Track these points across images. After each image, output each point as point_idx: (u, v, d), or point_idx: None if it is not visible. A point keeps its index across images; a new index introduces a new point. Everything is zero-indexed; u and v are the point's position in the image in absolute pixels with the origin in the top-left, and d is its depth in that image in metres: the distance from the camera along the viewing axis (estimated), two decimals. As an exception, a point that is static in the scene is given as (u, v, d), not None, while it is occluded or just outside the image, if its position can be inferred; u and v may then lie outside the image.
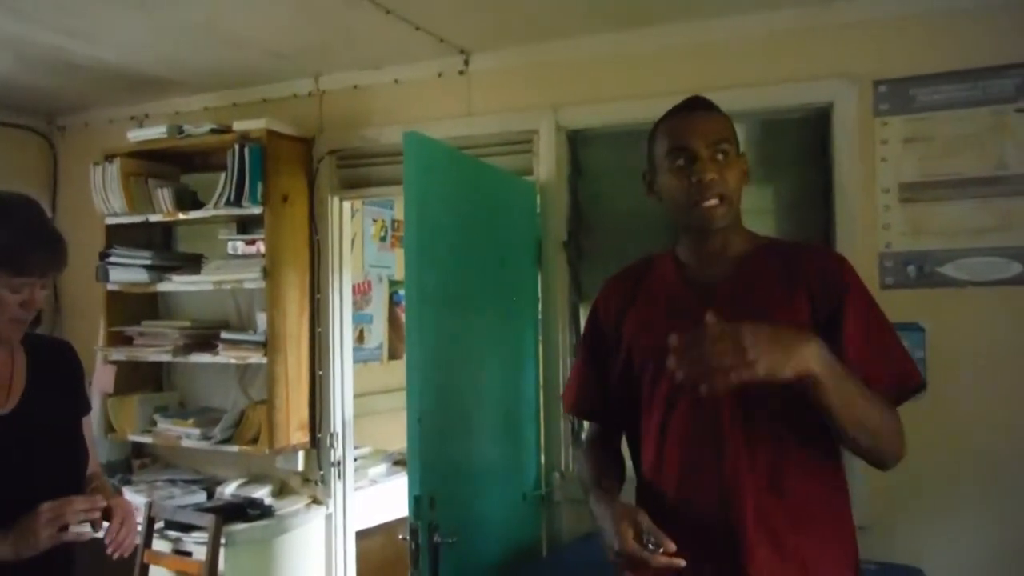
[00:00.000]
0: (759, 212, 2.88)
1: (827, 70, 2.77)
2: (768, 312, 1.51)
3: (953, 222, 2.64)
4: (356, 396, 3.69)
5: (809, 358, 1.31)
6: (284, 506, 3.40)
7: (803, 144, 2.89)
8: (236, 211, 3.35)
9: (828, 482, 1.57)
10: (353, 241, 4.85)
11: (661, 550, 1.40)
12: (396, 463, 4.27)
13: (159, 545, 3.12)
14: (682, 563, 1.39)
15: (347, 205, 3.65)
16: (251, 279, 3.33)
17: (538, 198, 3.14)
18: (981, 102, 2.63)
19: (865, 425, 1.43)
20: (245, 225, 3.57)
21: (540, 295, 3.14)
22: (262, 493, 3.42)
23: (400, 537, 2.42)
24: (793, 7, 2.77)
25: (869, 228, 2.72)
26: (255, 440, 3.38)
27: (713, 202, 1.56)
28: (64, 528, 1.74)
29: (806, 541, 1.51)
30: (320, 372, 3.52)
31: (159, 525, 3.14)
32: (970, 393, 2.59)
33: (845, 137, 2.75)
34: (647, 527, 1.43)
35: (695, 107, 1.63)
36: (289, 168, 3.44)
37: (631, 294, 1.72)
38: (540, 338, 3.13)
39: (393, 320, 5.15)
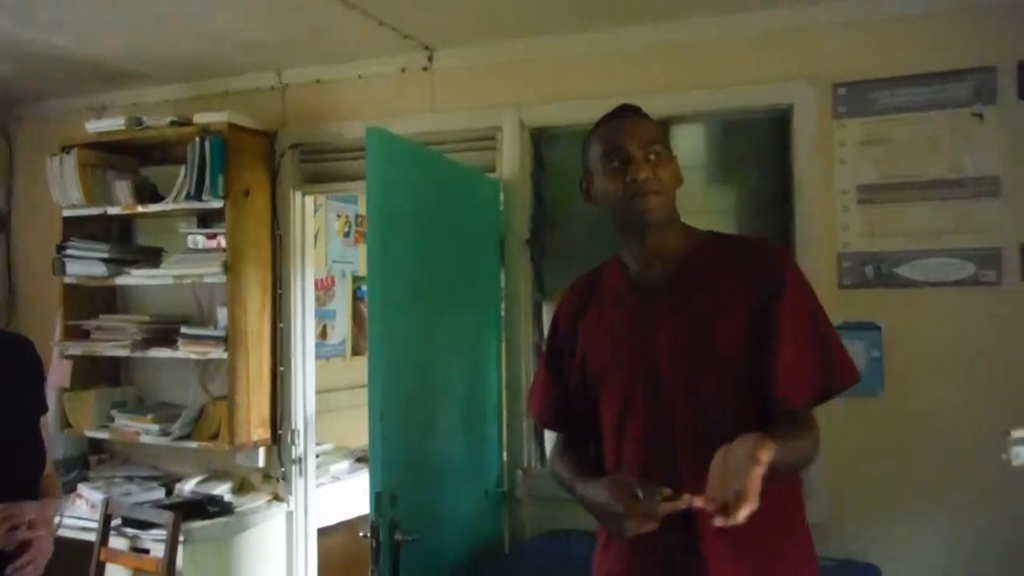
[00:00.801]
0: (721, 212, 2.91)
1: (787, 72, 2.80)
2: (709, 313, 1.58)
3: (910, 224, 2.69)
4: (318, 392, 3.67)
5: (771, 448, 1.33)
6: (244, 503, 3.37)
7: (764, 145, 2.92)
8: (197, 205, 3.31)
9: (787, 487, 1.59)
10: (316, 236, 4.82)
11: (658, 497, 1.40)
12: (358, 460, 4.25)
13: (116, 543, 3.07)
14: (684, 504, 1.36)
15: (310, 200, 3.62)
16: (212, 273, 3.30)
17: (502, 195, 3.14)
18: (938, 106, 2.67)
19: (794, 465, 1.52)
20: (206, 219, 3.53)
21: (503, 292, 3.14)
22: (222, 490, 3.39)
23: (361, 535, 2.41)
24: (754, 10, 2.80)
25: (828, 229, 2.76)
26: (215, 436, 3.34)
27: (648, 198, 1.60)
28: (14, 528, 1.72)
29: (767, 544, 1.54)
30: (282, 368, 3.50)
31: (116, 522, 3.09)
32: (925, 392, 2.64)
33: (805, 139, 2.79)
34: (635, 482, 1.44)
35: (626, 113, 1.68)
36: (251, 162, 3.41)
37: (584, 302, 1.76)
38: (503, 335, 3.13)
39: (357, 316, 5.13)
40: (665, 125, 1.65)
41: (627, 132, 1.63)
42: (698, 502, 1.31)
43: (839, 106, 2.77)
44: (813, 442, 1.56)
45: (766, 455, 1.28)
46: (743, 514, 1.27)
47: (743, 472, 1.27)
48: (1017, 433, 1.61)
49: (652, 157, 1.61)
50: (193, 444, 3.37)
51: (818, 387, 1.57)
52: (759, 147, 2.93)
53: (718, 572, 1.52)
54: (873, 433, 2.67)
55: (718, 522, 1.28)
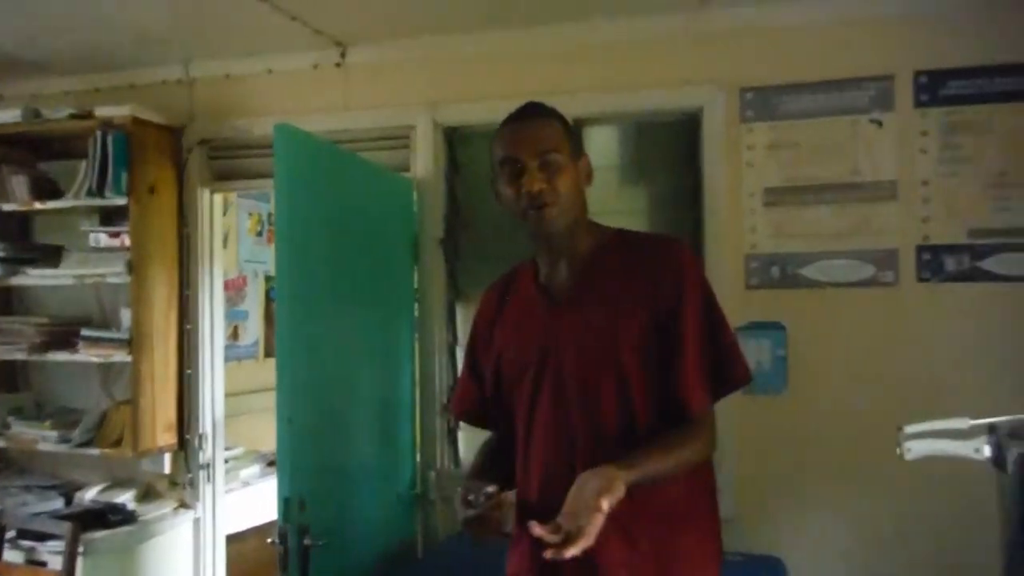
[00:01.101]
0: (632, 212, 2.95)
1: (697, 76, 2.85)
2: (611, 315, 1.60)
3: (813, 226, 2.77)
4: (229, 395, 3.58)
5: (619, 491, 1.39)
6: (149, 511, 3.26)
7: (675, 147, 2.97)
8: (99, 202, 3.20)
9: (688, 482, 1.61)
10: (227, 235, 4.71)
11: (482, 498, 1.46)
12: (270, 464, 4.16)
13: (11, 556, 2.93)
14: (533, 531, 1.37)
15: (219, 198, 3.54)
16: (115, 273, 3.19)
17: (415, 195, 3.11)
18: (840, 112, 2.76)
19: (673, 473, 1.54)
20: (109, 216, 3.39)
21: (417, 293, 3.11)
22: (125, 498, 3.27)
23: (269, 541, 2.36)
24: (665, 14, 2.85)
25: (736, 230, 2.82)
26: (118, 442, 3.23)
27: (542, 210, 1.59)
28: None
29: (661, 536, 1.57)
30: (189, 371, 3.40)
31: (11, 534, 2.95)
32: (827, 389, 2.72)
33: (713, 142, 2.84)
34: (471, 486, 1.50)
35: (524, 116, 1.64)
36: (156, 158, 3.30)
37: (500, 304, 1.77)
38: (416, 336, 3.10)
39: (269, 317, 5.03)
40: (578, 125, 1.64)
41: (521, 140, 1.60)
42: (537, 530, 1.34)
43: (746, 110, 2.83)
44: (703, 444, 1.60)
45: (608, 503, 1.35)
46: (573, 551, 1.32)
47: (587, 513, 1.34)
48: (910, 428, 1.67)
49: (547, 166, 1.59)
50: (95, 451, 3.25)
51: (713, 389, 1.61)
52: (670, 149, 2.98)
53: (611, 568, 1.54)
54: (777, 430, 2.74)
55: (548, 553, 1.33)
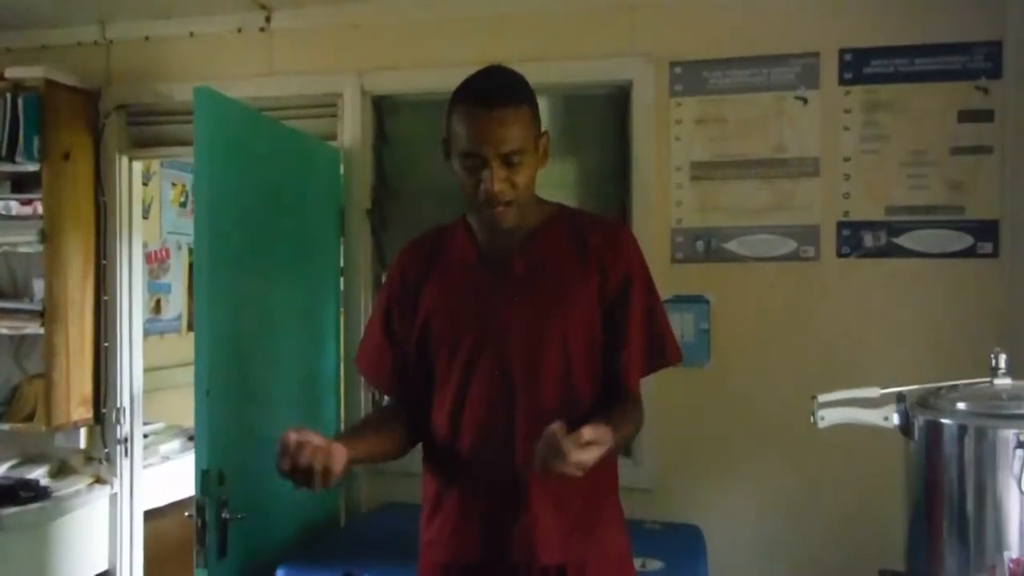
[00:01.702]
0: (561, 186, 2.93)
1: (627, 49, 2.85)
2: (562, 288, 1.61)
3: (738, 201, 2.80)
4: (152, 369, 3.50)
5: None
6: (63, 487, 3.16)
7: (604, 120, 2.96)
8: (9, 167, 3.07)
9: (611, 454, 1.63)
10: (150, 206, 4.58)
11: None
12: (191, 439, 4.03)
13: (-86, 534, 2.83)
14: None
15: (138, 165, 3.42)
16: (27, 242, 3.07)
17: (342, 165, 3.06)
18: (766, 88, 2.79)
19: (620, 445, 1.57)
20: (20, 183, 3.24)
21: (343, 265, 3.06)
22: (38, 474, 3.16)
23: (187, 514, 2.32)
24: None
25: (663, 204, 2.83)
26: (31, 417, 3.13)
27: (499, 209, 1.55)
28: None
29: (588, 504, 1.62)
30: (106, 343, 3.29)
31: (-86, 512, 2.84)
32: (748, 361, 2.77)
33: (643, 115, 2.85)
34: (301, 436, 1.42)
35: (494, 104, 1.51)
36: (71, 122, 3.18)
37: (427, 266, 1.70)
38: (342, 309, 3.05)
39: (193, 290, 4.90)
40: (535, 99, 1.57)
41: (487, 134, 1.50)
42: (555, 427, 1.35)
43: (675, 84, 2.84)
44: (640, 419, 1.66)
45: (598, 453, 1.35)
46: (563, 467, 1.33)
47: (582, 449, 1.34)
48: (823, 397, 1.70)
49: (510, 166, 1.52)
50: (5, 426, 3.15)
51: (648, 367, 1.68)
52: (600, 122, 2.97)
53: (544, 532, 1.57)
54: (699, 401, 2.78)
55: (536, 464, 1.37)
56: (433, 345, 1.67)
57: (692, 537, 2.58)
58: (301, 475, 1.39)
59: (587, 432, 1.33)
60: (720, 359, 2.77)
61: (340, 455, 1.43)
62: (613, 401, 1.61)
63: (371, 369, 1.79)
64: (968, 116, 2.67)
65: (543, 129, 1.62)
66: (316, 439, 1.41)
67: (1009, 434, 1.44)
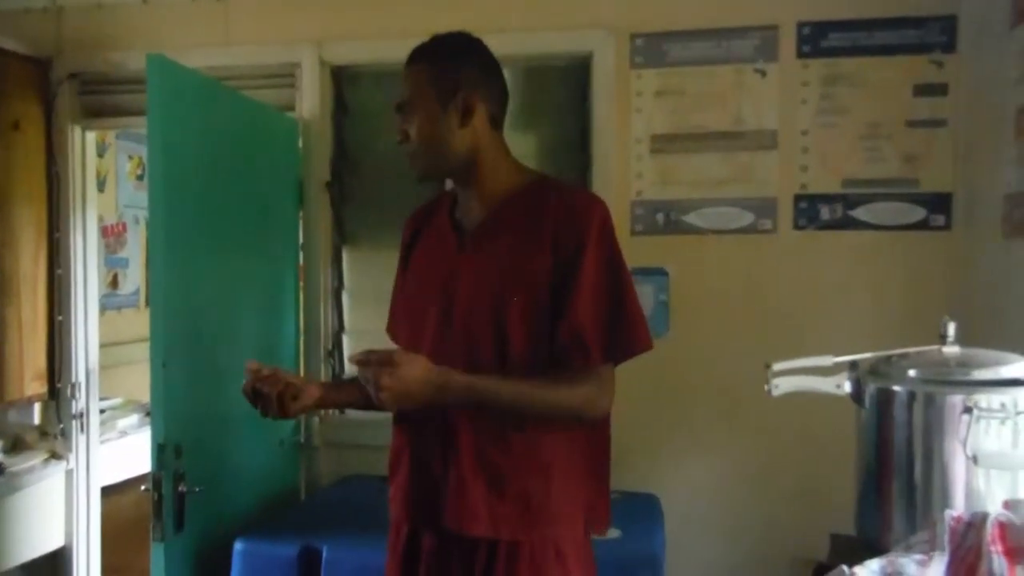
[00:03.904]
0: (521, 157, 2.87)
1: (588, 20, 2.84)
2: (511, 259, 1.58)
3: (697, 173, 2.81)
4: (109, 344, 3.44)
5: (426, 402, 1.46)
6: (16, 463, 3.11)
7: (565, 92, 2.96)
8: (-44, 137, 2.99)
9: (568, 438, 1.60)
10: (106, 179, 4.50)
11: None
12: (149, 414, 4.03)
13: None
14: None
15: (92, 136, 3.35)
16: (-25, 214, 3.00)
17: (300, 136, 3.02)
18: (725, 60, 2.80)
19: (538, 413, 1.55)
20: (-32, 154, 3.18)
21: (301, 237, 3.03)
22: (-9, 449, 3.12)
23: (143, 488, 2.30)
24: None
25: (622, 176, 2.84)
26: (-18, 392, 3.07)
27: (409, 158, 1.65)
28: None
29: (533, 490, 1.56)
30: (60, 317, 3.24)
31: None
32: (705, 332, 2.80)
33: (603, 87, 2.84)
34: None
35: (407, 61, 1.65)
36: (20, 91, 3.10)
37: (420, 228, 1.76)
38: (301, 282, 3.03)
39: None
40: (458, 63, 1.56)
41: (400, 89, 1.64)
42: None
43: (636, 56, 2.84)
44: (586, 397, 1.56)
45: (388, 379, 1.40)
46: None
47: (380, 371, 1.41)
48: (777, 366, 1.72)
49: (403, 114, 1.63)
50: (-45, 402, 3.08)
51: (608, 350, 1.56)
52: (560, 93, 2.97)
53: (474, 517, 1.56)
54: (658, 372, 2.77)
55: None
56: (406, 304, 1.75)
57: (649, 505, 2.61)
58: (262, 401, 1.61)
59: (397, 355, 1.42)
60: (678, 330, 2.79)
61: (309, 396, 1.63)
62: (548, 374, 1.54)
63: (390, 327, 1.84)
64: (923, 90, 2.70)
65: (465, 92, 1.59)
66: (290, 376, 1.62)
67: (956, 399, 1.48)
